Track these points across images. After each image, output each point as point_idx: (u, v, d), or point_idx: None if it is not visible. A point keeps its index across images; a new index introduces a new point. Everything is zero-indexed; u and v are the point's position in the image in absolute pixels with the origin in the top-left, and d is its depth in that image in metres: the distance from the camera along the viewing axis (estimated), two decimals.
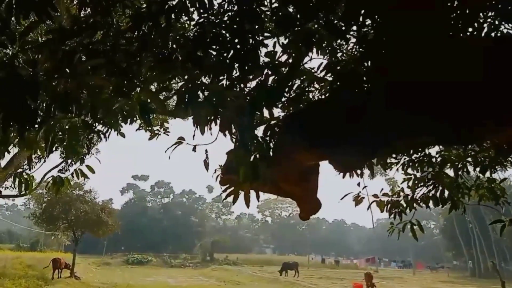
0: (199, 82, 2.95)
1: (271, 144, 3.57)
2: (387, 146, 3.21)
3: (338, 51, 4.06)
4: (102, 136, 5.11)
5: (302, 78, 4.18)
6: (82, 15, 3.89)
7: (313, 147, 3.15)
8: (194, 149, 3.46)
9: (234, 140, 3.52)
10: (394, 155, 4.95)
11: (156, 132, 6.03)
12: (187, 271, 52.98)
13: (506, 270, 56.60)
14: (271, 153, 3.54)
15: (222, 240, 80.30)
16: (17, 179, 4.99)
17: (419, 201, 5.13)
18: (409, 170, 5.24)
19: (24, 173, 5.00)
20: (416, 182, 5.12)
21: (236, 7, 3.72)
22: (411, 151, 4.86)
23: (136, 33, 3.54)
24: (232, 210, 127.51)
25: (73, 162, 5.15)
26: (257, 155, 3.42)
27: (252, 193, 4.15)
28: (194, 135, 3.18)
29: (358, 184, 4.97)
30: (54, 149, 4.98)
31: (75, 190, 29.59)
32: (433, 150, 5.09)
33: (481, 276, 57.33)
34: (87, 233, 31.64)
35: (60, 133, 4.85)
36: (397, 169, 5.25)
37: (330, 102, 3.41)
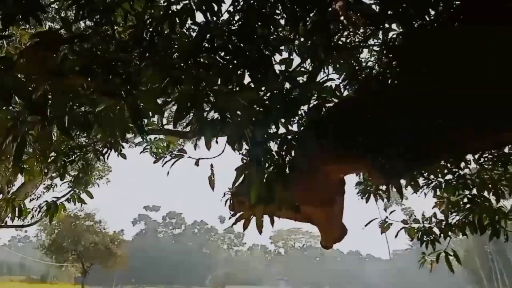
0: (202, 86, 2.51)
1: (288, 160, 3.08)
2: (432, 155, 2.71)
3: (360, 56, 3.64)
4: (101, 157, 4.72)
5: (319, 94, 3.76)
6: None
7: (347, 154, 2.65)
8: (197, 163, 3.00)
9: (244, 154, 3.08)
10: (424, 176, 4.40)
11: (162, 155, 5.61)
12: None
13: None
14: (287, 171, 3.04)
15: (234, 273, 78.60)
16: (9, 207, 4.58)
17: (454, 228, 4.54)
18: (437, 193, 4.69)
19: (15, 200, 4.60)
20: (450, 206, 4.56)
21: (246, 10, 3.35)
22: (445, 172, 4.32)
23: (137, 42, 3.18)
24: (244, 242, 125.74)
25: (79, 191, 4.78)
26: (272, 173, 2.95)
27: (266, 219, 3.66)
28: (195, 144, 2.72)
29: (385, 209, 4.43)
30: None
31: (85, 221, 29.26)
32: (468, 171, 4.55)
33: None
34: (98, 265, 31.01)
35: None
36: (426, 193, 4.70)
37: (364, 101, 2.92)
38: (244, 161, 3.10)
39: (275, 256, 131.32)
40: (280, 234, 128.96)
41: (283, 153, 3.00)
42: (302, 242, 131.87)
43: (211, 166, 3.15)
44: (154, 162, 6.97)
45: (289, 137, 3.06)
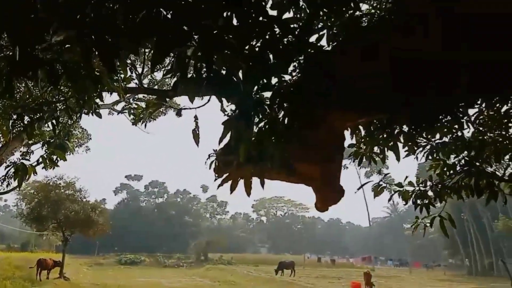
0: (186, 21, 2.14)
1: (283, 112, 2.76)
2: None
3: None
4: (74, 115, 4.33)
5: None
6: None
7: (361, 100, 2.34)
8: (179, 113, 2.68)
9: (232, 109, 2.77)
10: (423, 136, 4.16)
11: (141, 116, 5.26)
12: (181, 271, 52.08)
13: (503, 269, 56.26)
14: (281, 126, 2.74)
15: (217, 240, 79.37)
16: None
17: (449, 191, 4.36)
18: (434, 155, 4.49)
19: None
20: (446, 169, 4.36)
21: None
22: (445, 130, 4.08)
23: None
24: (227, 210, 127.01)
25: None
26: (264, 128, 2.66)
27: (255, 180, 3.39)
28: (174, 88, 2.38)
29: (379, 172, 4.21)
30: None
31: (65, 190, 28.71)
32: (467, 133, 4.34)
33: (477, 274, 57.02)
34: (79, 234, 30.70)
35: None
36: (424, 154, 4.48)
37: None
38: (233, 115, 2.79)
39: (257, 224, 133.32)
40: (262, 202, 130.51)
41: (276, 106, 2.69)
42: (284, 210, 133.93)
43: (195, 118, 2.83)
44: (133, 124, 6.62)
45: (283, 89, 2.75)
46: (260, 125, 2.69)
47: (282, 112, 2.68)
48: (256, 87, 2.63)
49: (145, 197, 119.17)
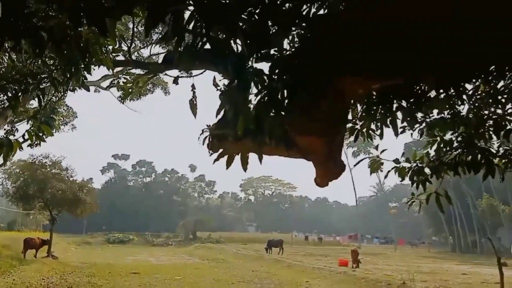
0: None
1: (283, 82, 2.62)
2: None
3: None
4: (60, 89, 4.14)
5: None
6: None
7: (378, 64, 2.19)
8: (175, 81, 2.54)
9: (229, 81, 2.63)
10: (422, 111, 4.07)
11: (130, 91, 5.08)
12: (170, 250, 52.38)
13: (486, 246, 57.84)
14: (282, 96, 2.61)
15: (205, 219, 79.90)
16: None
17: (446, 167, 4.31)
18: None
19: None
20: (442, 146, 4.31)
21: None
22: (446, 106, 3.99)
23: None
24: (215, 189, 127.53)
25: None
26: (263, 99, 2.53)
27: (252, 156, 3.28)
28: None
29: (376, 148, 4.13)
30: None
31: (51, 168, 28.33)
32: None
33: (461, 251, 58.51)
34: (66, 213, 30.49)
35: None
36: (420, 131, 4.42)
37: None
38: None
39: (245, 203, 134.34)
40: (250, 182, 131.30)
41: (276, 76, 2.56)
42: (272, 189, 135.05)
43: (193, 87, 2.69)
44: (122, 99, 6.44)
45: (284, 58, 2.61)
46: (258, 97, 2.56)
47: (283, 83, 2.54)
48: (255, 57, 2.50)
49: (133, 177, 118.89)
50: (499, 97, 4.39)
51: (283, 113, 2.57)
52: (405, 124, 4.21)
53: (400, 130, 3.88)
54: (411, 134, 5.06)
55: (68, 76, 3.74)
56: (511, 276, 14.39)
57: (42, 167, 27.51)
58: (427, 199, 4.12)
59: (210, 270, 24.40)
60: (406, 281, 16.99)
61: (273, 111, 2.53)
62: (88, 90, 4.12)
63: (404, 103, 3.74)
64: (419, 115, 4.41)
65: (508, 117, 4.52)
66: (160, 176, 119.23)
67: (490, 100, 4.46)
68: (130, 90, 5.03)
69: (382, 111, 3.72)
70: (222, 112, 3.05)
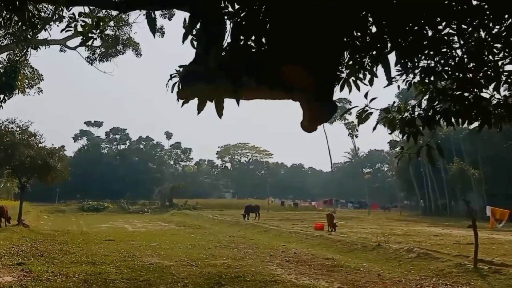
0: None
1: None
2: None
3: None
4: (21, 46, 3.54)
5: None
6: None
7: None
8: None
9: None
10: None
11: (91, 36, 4.49)
12: (146, 217, 52.10)
13: (455, 209, 60.03)
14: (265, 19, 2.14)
15: (181, 186, 79.65)
16: None
17: (439, 117, 3.98)
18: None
19: None
20: (435, 95, 3.96)
21: None
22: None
23: None
24: (191, 157, 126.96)
25: None
26: (240, 23, 2.06)
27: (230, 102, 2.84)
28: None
29: (366, 96, 3.75)
30: None
31: (18, 134, 27.11)
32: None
33: (432, 214, 60.55)
34: (37, 180, 29.57)
35: None
36: (415, 76, 4.04)
37: None
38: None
39: (221, 171, 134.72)
40: (226, 149, 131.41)
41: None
42: (248, 156, 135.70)
43: None
44: (81, 45, 5.83)
45: None
46: (235, 19, 2.10)
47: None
48: None
49: (107, 144, 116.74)
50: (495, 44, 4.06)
51: (264, 39, 2.11)
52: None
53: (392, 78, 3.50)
54: (398, 86, 4.72)
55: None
56: (480, 237, 14.71)
57: (8, 133, 26.29)
58: (418, 152, 3.81)
59: (187, 236, 24.27)
60: (381, 243, 17.23)
61: (254, 37, 2.07)
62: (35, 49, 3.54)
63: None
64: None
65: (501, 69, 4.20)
66: (134, 144, 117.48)
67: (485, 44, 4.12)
68: (90, 34, 4.45)
69: (374, 55, 3.31)
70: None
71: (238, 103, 2.48)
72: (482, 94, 3.88)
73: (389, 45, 3.06)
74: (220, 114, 2.56)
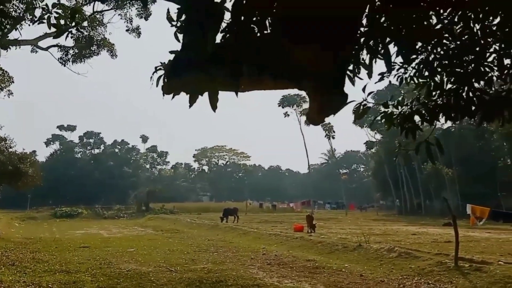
0: None
1: None
2: None
3: None
4: None
5: None
6: None
7: None
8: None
9: None
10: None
11: (63, 27, 4.17)
12: (122, 222, 50.97)
13: (430, 207, 61.23)
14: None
15: (158, 190, 78.55)
16: None
17: (437, 111, 3.82)
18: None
19: None
20: (432, 89, 3.81)
21: None
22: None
23: None
24: (167, 160, 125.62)
25: None
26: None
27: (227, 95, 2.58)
28: None
29: (363, 89, 3.57)
30: None
31: None
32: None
33: (407, 214, 61.55)
34: (7, 186, 28.49)
35: None
36: (406, 71, 3.89)
37: None
38: None
39: (199, 173, 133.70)
40: (203, 152, 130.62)
41: None
42: (226, 159, 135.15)
43: None
44: (55, 37, 5.46)
45: None
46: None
47: None
48: None
49: (80, 149, 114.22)
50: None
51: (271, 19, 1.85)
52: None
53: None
54: (389, 81, 4.56)
55: None
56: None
57: None
58: (417, 148, 3.64)
59: (165, 240, 23.75)
60: (362, 243, 17.23)
61: (258, 16, 1.81)
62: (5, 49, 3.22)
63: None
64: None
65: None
66: (109, 148, 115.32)
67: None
68: (63, 27, 4.12)
69: (372, 46, 3.12)
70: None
71: (237, 95, 2.23)
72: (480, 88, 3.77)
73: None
74: (214, 107, 2.30)
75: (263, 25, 1.83)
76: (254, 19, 1.79)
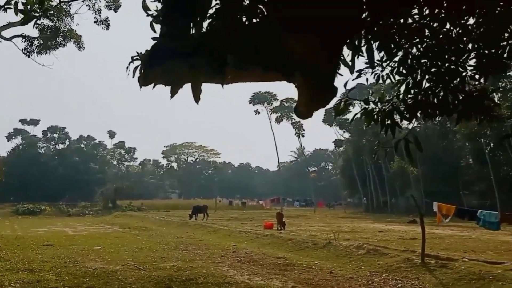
0: None
1: None
2: None
3: None
4: None
5: None
6: None
7: None
8: None
9: None
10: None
11: (32, 14, 3.92)
12: (87, 219, 49.67)
13: (395, 205, 62.81)
14: None
15: (125, 186, 77.06)
16: None
17: (416, 109, 3.83)
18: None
19: None
20: (411, 86, 3.82)
21: None
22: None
23: None
24: (135, 156, 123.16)
25: None
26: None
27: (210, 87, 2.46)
28: None
29: (345, 85, 3.53)
30: None
31: None
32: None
33: (374, 211, 62.88)
34: None
35: None
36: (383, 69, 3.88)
37: None
38: None
39: (167, 170, 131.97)
40: (172, 148, 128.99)
41: None
42: (195, 156, 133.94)
43: None
44: (22, 24, 5.16)
45: None
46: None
47: None
48: None
49: (44, 143, 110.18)
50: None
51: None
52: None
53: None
54: (367, 79, 4.55)
55: None
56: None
57: None
58: (396, 146, 3.64)
59: (133, 238, 23.27)
60: (331, 240, 17.41)
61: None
62: None
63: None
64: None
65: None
66: (75, 143, 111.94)
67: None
68: (32, 13, 3.86)
69: (354, 42, 3.08)
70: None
71: (223, 86, 2.11)
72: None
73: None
74: (197, 99, 2.18)
75: (254, 11, 1.73)
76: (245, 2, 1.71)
